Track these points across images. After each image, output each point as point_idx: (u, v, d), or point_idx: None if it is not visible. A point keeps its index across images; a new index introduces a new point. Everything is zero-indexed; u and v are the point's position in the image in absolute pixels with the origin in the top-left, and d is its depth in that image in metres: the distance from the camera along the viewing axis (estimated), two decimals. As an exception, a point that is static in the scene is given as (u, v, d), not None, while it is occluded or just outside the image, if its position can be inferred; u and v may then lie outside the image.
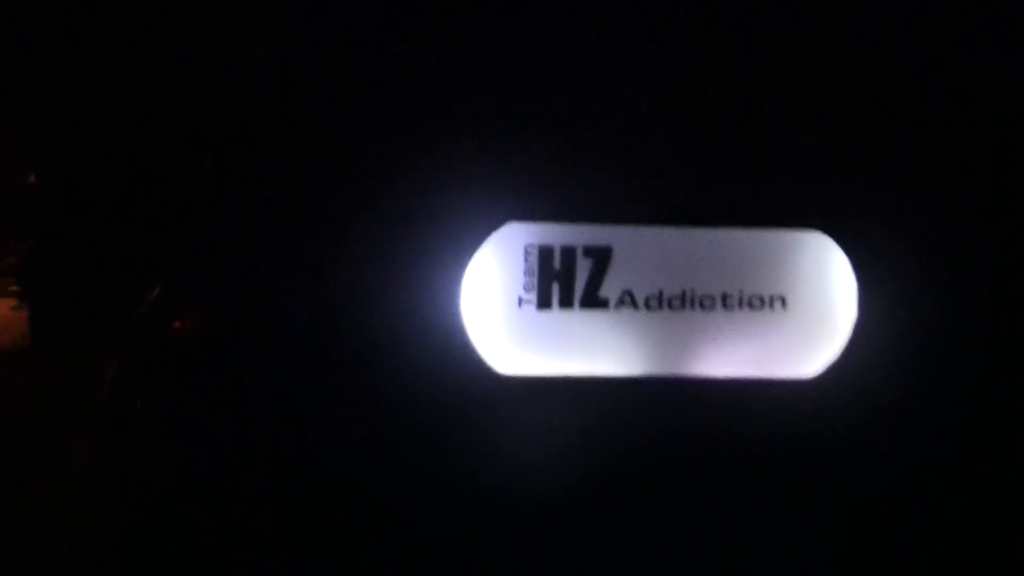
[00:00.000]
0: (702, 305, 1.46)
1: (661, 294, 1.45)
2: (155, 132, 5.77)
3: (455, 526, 1.47)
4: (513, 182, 1.43)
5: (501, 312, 1.44)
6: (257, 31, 1.53)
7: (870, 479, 1.50)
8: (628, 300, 1.45)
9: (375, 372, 1.43)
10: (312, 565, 1.49)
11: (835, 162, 1.47)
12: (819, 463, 1.49)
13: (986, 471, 1.53)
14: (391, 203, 1.42)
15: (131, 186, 6.10)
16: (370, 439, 1.45)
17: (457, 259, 1.42)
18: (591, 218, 1.43)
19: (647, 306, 1.45)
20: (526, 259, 1.43)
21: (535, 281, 1.43)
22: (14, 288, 8.61)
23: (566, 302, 1.44)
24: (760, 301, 1.46)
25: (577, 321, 1.45)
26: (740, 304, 1.46)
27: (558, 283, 1.43)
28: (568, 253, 1.43)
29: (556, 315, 1.44)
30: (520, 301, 1.44)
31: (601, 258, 1.43)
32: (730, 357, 1.47)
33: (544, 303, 1.44)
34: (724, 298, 1.46)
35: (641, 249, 1.45)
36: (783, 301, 1.46)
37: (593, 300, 1.44)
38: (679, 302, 1.45)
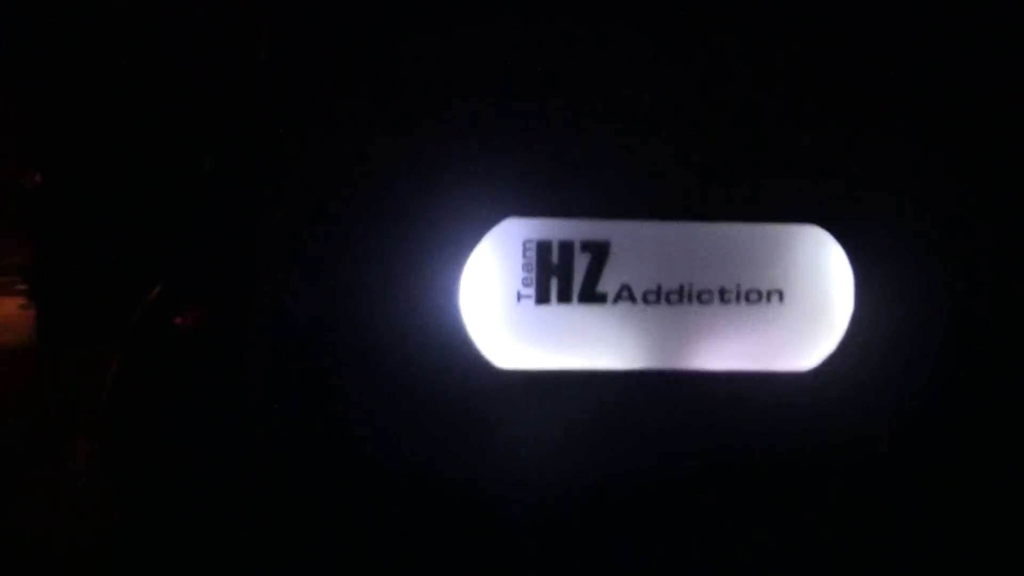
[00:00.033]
0: (700, 299, 1.46)
1: (659, 288, 1.46)
2: (156, 132, 5.78)
3: (455, 521, 1.48)
4: (511, 179, 1.44)
5: (500, 307, 1.45)
6: (257, 31, 1.53)
7: (867, 472, 1.51)
8: (626, 294, 1.46)
9: (375, 368, 1.44)
10: (312, 564, 1.50)
11: (832, 156, 1.47)
12: (817, 455, 1.50)
13: (983, 465, 1.53)
14: (390, 201, 1.43)
15: (134, 185, 6.11)
16: (370, 435, 1.46)
17: (456, 255, 1.43)
18: (589, 213, 1.44)
19: (645, 300, 1.46)
20: (524, 254, 1.44)
21: (534, 276, 1.44)
22: (21, 287, 8.61)
23: (564, 297, 1.45)
24: (758, 295, 1.47)
25: (576, 316, 1.46)
26: (738, 298, 1.47)
27: (556, 278, 1.44)
28: (566, 248, 1.44)
29: (555, 310, 1.45)
30: (519, 296, 1.45)
31: (599, 253, 1.44)
32: (728, 351, 1.48)
33: (543, 298, 1.45)
34: (722, 292, 1.46)
35: (639, 244, 1.45)
36: (780, 295, 1.47)
37: (591, 295, 1.45)
38: (677, 296, 1.46)
